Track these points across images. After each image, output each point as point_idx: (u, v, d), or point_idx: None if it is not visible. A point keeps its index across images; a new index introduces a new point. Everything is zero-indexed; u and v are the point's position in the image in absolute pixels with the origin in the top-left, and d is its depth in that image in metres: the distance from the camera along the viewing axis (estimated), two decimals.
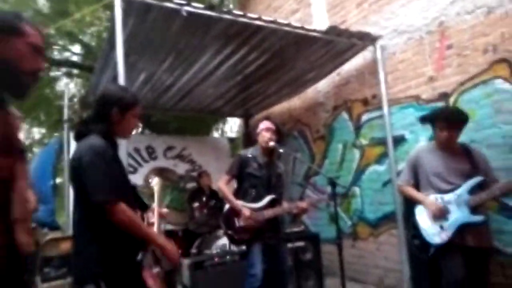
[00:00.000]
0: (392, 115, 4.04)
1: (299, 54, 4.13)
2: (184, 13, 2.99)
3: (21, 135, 1.34)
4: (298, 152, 5.41)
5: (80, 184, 1.64)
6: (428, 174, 2.71)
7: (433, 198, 2.65)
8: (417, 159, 2.81)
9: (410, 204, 2.85)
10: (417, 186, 2.81)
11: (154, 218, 2.33)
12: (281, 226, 3.19)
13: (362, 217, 4.46)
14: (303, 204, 3.06)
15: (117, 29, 2.81)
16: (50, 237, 3.83)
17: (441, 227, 2.57)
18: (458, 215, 2.53)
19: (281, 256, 3.05)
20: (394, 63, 4.07)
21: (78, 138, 1.76)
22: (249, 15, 3.46)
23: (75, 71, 9.35)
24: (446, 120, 2.62)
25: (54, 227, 4.88)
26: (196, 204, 5.02)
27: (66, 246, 3.54)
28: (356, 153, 4.57)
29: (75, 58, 9.22)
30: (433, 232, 2.59)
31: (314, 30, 3.85)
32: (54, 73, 9.01)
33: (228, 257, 3.64)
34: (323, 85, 5.10)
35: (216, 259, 3.58)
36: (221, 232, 4.09)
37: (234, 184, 3.19)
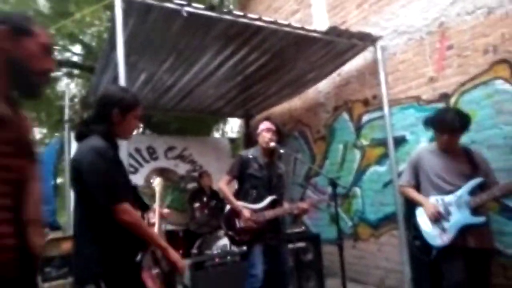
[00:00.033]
0: (392, 116, 4.03)
1: (300, 54, 4.14)
2: (185, 14, 2.99)
3: (33, 136, 1.34)
4: (299, 153, 5.41)
5: (81, 185, 1.65)
6: (429, 175, 2.71)
7: (434, 200, 2.65)
8: (418, 160, 2.81)
9: (411, 205, 2.84)
10: (418, 187, 2.81)
11: (155, 218, 2.33)
12: (282, 227, 3.19)
13: (363, 218, 4.46)
14: (303, 205, 3.05)
15: (118, 29, 2.81)
16: (51, 237, 3.84)
17: (442, 229, 2.57)
18: (459, 216, 2.53)
19: (282, 256, 3.05)
20: (395, 63, 4.07)
21: (79, 138, 1.77)
22: (250, 15, 3.46)
23: (76, 71, 9.38)
24: (447, 125, 2.61)
25: (55, 227, 4.88)
26: (196, 205, 5.02)
27: (67, 246, 3.55)
28: (357, 154, 4.57)
29: (75, 59, 9.25)
30: (434, 234, 2.59)
31: (315, 31, 3.85)
32: (55, 73, 9.01)
33: (228, 257, 3.64)
34: (324, 85, 5.10)
35: (216, 260, 3.57)
36: (221, 232, 4.09)
37: (235, 185, 3.19)
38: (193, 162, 6.31)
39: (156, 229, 2.30)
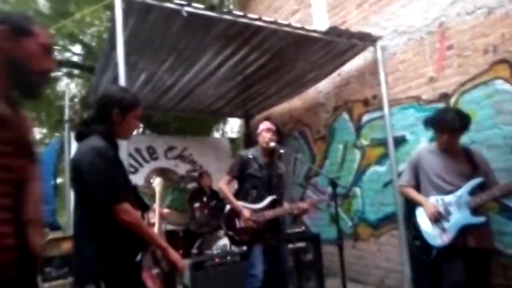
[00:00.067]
0: (392, 116, 4.04)
1: (300, 54, 4.13)
2: (185, 14, 2.99)
3: (33, 136, 1.34)
4: (299, 153, 5.41)
5: (81, 185, 1.65)
6: (429, 175, 2.71)
7: (434, 200, 2.65)
8: (418, 160, 2.81)
9: (411, 205, 2.84)
10: (418, 187, 2.81)
11: (155, 218, 2.33)
12: (282, 227, 3.19)
13: (363, 218, 4.46)
14: (303, 205, 3.05)
15: (118, 29, 2.81)
16: (51, 237, 3.84)
17: (442, 229, 2.57)
18: (459, 216, 2.53)
19: (282, 256, 3.05)
20: (395, 63, 4.07)
21: (79, 138, 1.77)
22: (250, 15, 3.46)
23: (76, 71, 9.38)
24: (447, 125, 2.61)
25: (55, 227, 4.89)
26: (196, 205, 5.02)
27: (67, 246, 3.55)
28: (357, 154, 4.57)
29: (75, 59, 9.25)
30: (434, 234, 2.59)
31: (315, 31, 3.85)
32: (54, 73, 9.01)
33: (228, 257, 3.64)
34: (324, 85, 5.10)
35: (216, 260, 3.57)
36: (221, 232, 4.09)
37: (235, 185, 3.19)
38: (193, 162, 6.31)
39: (156, 229, 2.30)
